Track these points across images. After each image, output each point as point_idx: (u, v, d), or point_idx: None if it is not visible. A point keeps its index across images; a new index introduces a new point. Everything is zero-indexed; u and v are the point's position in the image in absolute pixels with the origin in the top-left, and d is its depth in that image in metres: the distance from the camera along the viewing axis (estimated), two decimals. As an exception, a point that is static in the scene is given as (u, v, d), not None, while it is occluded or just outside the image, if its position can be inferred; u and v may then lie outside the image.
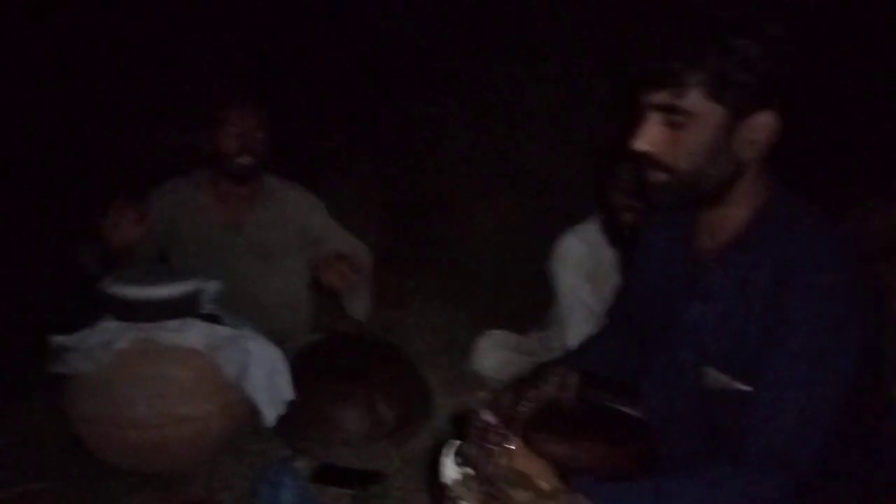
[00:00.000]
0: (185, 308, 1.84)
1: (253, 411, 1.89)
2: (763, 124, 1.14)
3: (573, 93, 3.30)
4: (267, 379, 1.82)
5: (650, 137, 1.16)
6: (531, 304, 3.03)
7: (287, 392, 1.86)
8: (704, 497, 1.06)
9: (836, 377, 1.09)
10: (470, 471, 1.00)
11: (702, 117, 1.13)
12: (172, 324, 1.81)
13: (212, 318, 1.87)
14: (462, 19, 3.57)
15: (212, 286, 1.94)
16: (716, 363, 1.22)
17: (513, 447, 0.98)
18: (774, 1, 1.18)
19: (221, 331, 1.83)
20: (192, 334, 1.80)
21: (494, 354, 2.39)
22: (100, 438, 1.78)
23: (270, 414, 1.84)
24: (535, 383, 1.34)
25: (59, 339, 1.81)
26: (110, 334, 1.79)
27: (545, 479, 1.00)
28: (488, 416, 1.01)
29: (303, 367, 1.94)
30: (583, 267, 2.33)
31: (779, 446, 1.08)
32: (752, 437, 1.10)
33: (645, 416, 1.38)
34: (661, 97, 1.14)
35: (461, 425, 1.05)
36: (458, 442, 1.04)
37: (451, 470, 1.03)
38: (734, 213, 1.22)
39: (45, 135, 3.60)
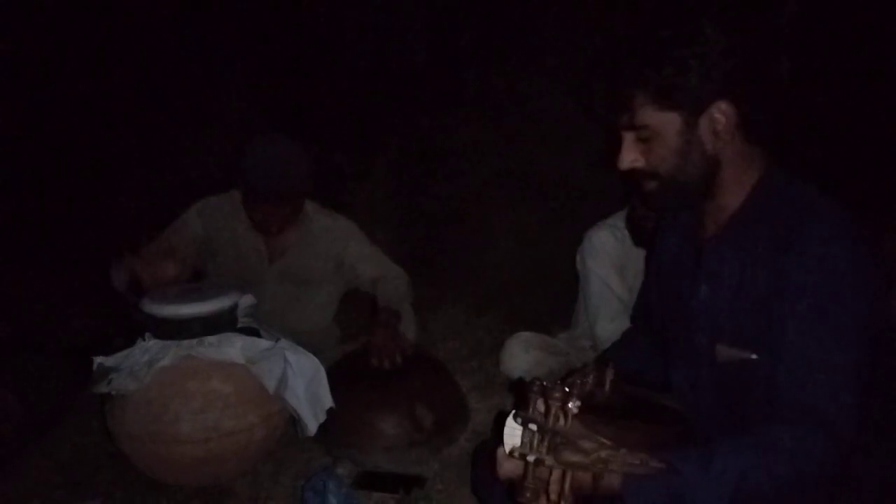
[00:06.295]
0: (223, 323, 1.88)
1: (292, 421, 1.94)
2: (721, 114, 1.21)
3: (585, 97, 3.32)
4: (307, 389, 1.86)
5: (629, 156, 1.28)
6: (553, 305, 3.07)
7: (327, 400, 1.89)
8: (754, 458, 1.08)
9: (852, 333, 1.13)
10: (532, 427, 1.04)
11: (661, 127, 1.22)
12: (212, 339, 1.85)
13: (250, 332, 1.91)
14: (471, 30, 3.62)
15: (247, 300, 1.98)
16: (725, 338, 1.27)
17: (575, 406, 1.02)
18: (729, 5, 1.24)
19: (260, 343, 1.87)
20: (232, 348, 1.84)
21: (524, 355, 2.41)
22: (145, 455, 1.82)
23: (312, 424, 1.87)
24: (575, 376, 1.37)
25: (103, 360, 1.85)
26: (152, 353, 1.83)
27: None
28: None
29: (341, 376, 1.98)
30: (612, 259, 2.37)
31: (810, 405, 1.11)
32: (781, 402, 1.14)
33: (679, 405, 1.42)
34: (622, 121, 1.25)
35: (520, 393, 1.09)
36: (516, 410, 1.08)
37: (512, 436, 1.07)
38: (730, 197, 1.28)
39: (81, 154, 3.67)
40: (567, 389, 1.03)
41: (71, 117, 3.70)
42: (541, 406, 1.06)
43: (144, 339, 1.88)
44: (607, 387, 1.41)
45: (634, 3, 3.14)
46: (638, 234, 2.31)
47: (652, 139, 1.23)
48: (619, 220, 2.41)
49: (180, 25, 3.86)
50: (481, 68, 3.64)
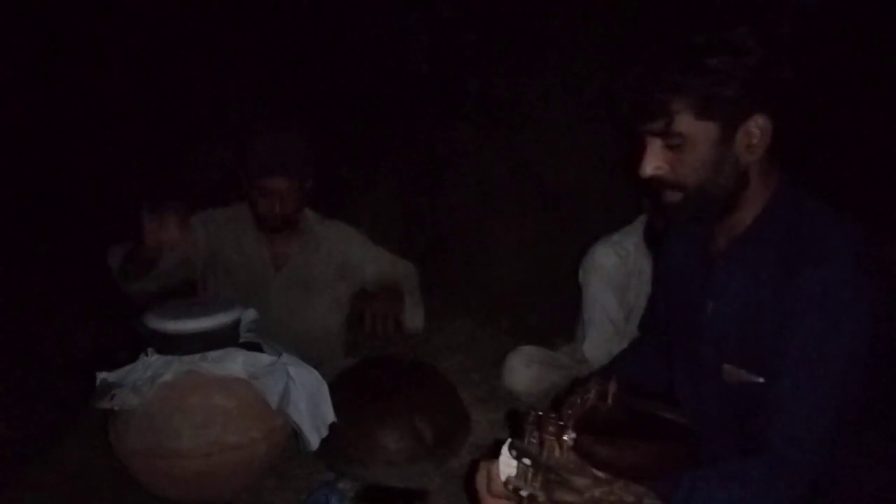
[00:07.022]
0: (225, 338, 1.89)
1: (294, 436, 1.93)
2: (757, 127, 1.19)
3: (590, 105, 3.33)
4: (309, 403, 1.86)
5: (654, 163, 1.24)
6: (556, 317, 3.07)
7: (329, 415, 1.89)
8: (731, 491, 1.10)
9: (848, 366, 1.13)
10: (526, 461, 1.04)
11: (696, 136, 1.19)
12: (214, 354, 1.85)
13: (252, 346, 1.91)
14: (472, 36, 3.63)
15: (249, 314, 1.98)
16: (733, 358, 1.27)
17: (570, 438, 1.02)
18: (748, 10, 1.22)
19: (262, 358, 1.87)
20: (234, 364, 1.83)
21: (525, 370, 2.41)
22: (148, 471, 1.82)
23: (314, 438, 1.87)
24: (576, 394, 1.37)
25: (106, 376, 1.86)
26: (154, 368, 1.83)
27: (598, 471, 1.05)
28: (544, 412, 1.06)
29: (342, 390, 1.97)
30: (611, 278, 2.37)
31: (796, 437, 1.12)
32: (770, 429, 1.15)
33: (684, 420, 1.41)
34: (654, 126, 1.21)
35: (515, 423, 1.10)
36: (511, 439, 1.08)
37: (507, 466, 1.07)
38: (746, 212, 1.27)
39: (84, 164, 3.69)
40: (562, 423, 1.03)
41: (73, 127, 3.72)
42: (536, 437, 1.06)
43: (147, 355, 1.88)
44: (610, 400, 1.41)
45: (636, 10, 3.16)
46: (657, 242, 2.31)
47: (683, 148, 1.20)
48: (624, 237, 2.41)
49: (182, 33, 3.89)
50: (483, 73, 3.65)
